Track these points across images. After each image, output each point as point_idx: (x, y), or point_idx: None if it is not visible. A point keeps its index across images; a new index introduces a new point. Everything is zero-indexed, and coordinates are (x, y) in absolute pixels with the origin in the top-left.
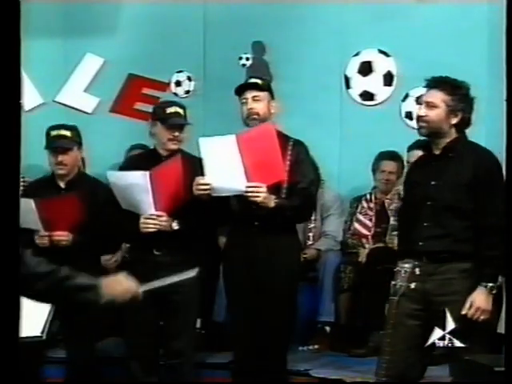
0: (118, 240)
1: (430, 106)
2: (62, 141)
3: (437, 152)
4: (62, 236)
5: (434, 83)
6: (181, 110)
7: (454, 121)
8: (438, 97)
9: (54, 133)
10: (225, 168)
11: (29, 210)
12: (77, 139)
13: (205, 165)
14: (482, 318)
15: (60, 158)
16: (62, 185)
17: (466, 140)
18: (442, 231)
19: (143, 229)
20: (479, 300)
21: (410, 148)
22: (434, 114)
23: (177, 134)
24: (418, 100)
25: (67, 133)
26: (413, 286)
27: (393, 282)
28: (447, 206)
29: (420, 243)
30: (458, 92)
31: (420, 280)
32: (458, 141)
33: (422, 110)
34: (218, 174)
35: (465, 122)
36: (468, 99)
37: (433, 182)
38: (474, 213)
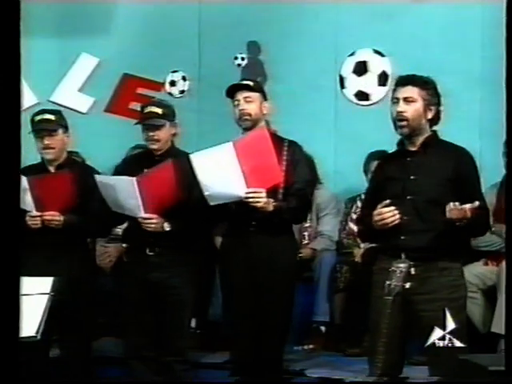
0: (108, 225)
1: (409, 101)
2: (46, 124)
3: (413, 148)
4: (54, 216)
5: (407, 80)
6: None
7: (430, 115)
8: (414, 92)
9: (37, 118)
10: (222, 176)
11: (22, 189)
12: (62, 122)
13: (199, 180)
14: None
15: (46, 141)
16: (52, 170)
17: (438, 137)
18: (423, 225)
19: (133, 231)
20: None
21: (370, 159)
22: (413, 109)
23: (151, 134)
24: (392, 99)
25: (51, 116)
26: (408, 285)
27: (387, 282)
28: (429, 200)
29: (402, 237)
30: (429, 87)
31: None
32: (433, 137)
33: (400, 106)
34: (215, 184)
35: (438, 117)
36: (438, 94)
37: (412, 177)
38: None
